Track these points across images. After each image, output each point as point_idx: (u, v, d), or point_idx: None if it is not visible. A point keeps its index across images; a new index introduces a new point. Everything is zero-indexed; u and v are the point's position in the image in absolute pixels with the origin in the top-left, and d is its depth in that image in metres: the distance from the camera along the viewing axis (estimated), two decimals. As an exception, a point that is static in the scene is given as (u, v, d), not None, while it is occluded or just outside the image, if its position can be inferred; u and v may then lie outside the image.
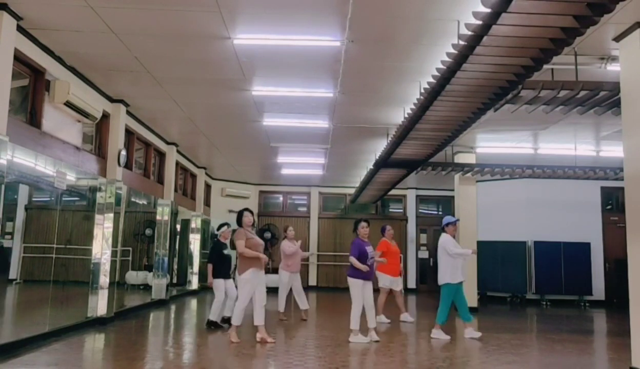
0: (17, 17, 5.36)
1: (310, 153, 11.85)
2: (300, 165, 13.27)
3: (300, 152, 11.76)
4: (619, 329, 8.47)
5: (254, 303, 6.56)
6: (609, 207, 13.51)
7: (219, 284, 7.69)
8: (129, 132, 9.08)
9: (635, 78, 5.15)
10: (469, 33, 4.22)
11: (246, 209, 6.82)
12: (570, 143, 10.00)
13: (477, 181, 11.68)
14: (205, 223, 14.71)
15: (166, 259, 10.98)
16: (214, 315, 7.66)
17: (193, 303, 11.74)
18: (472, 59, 4.58)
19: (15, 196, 6.62)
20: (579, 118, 7.25)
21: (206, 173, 14.69)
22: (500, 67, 4.77)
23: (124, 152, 8.38)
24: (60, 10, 5.26)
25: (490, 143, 10.35)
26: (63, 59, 6.57)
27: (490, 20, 3.90)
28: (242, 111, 8.54)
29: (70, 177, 7.16)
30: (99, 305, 7.77)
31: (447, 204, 16.23)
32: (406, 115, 7.11)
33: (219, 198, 15.92)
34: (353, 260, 6.77)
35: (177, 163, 11.98)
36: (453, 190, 11.86)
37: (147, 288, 11.16)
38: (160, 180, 11.17)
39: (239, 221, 6.73)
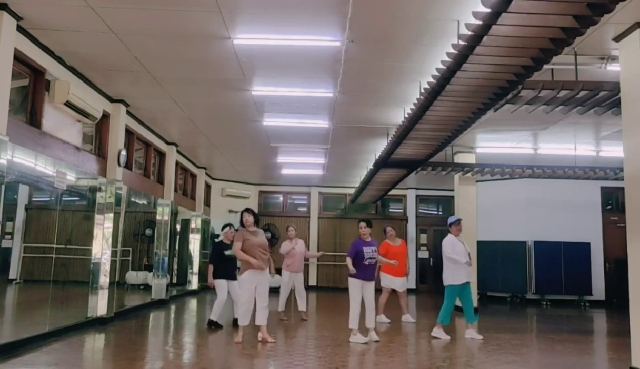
0: (17, 17, 5.36)
1: (310, 153, 11.85)
2: (300, 165, 13.27)
3: (300, 152, 11.76)
4: (619, 329, 8.47)
5: (256, 303, 6.57)
6: (609, 207, 13.51)
7: (219, 284, 7.70)
8: (129, 132, 9.08)
9: (635, 78, 5.15)
10: (469, 33, 4.22)
11: (246, 209, 6.80)
12: (570, 143, 10.00)
13: (477, 181, 11.68)
14: (205, 223, 14.71)
15: (166, 259, 10.98)
16: (214, 315, 7.67)
17: (193, 303, 11.74)
18: (472, 59, 4.58)
19: (15, 196, 6.62)
20: (579, 118, 7.25)
21: (206, 173, 14.69)
22: (500, 67, 4.77)
23: (124, 152, 8.39)
24: (60, 10, 5.26)
25: (490, 143, 10.36)
26: (63, 58, 6.57)
27: (490, 20, 3.90)
28: (242, 111, 8.54)
29: (70, 177, 7.16)
30: (99, 305, 7.77)
31: (447, 204, 16.23)
32: (406, 115, 7.11)
33: (219, 198, 15.92)
34: (347, 261, 6.82)
35: (177, 163, 11.98)
36: (453, 190, 11.87)
37: (147, 288, 11.16)
38: (160, 180, 11.17)
39: (241, 222, 6.74)
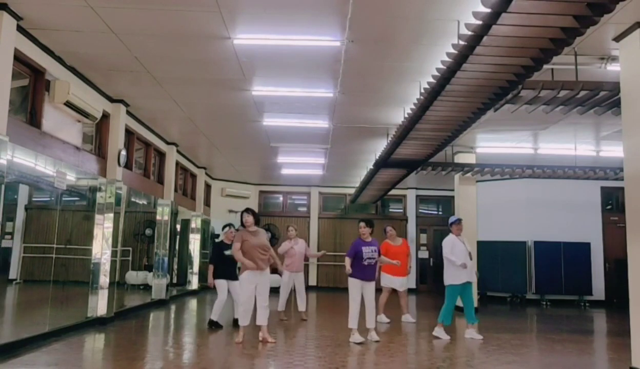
0: (17, 17, 5.36)
1: (310, 153, 11.85)
2: (300, 165, 13.27)
3: (300, 152, 11.76)
4: (619, 329, 8.47)
5: (257, 303, 6.57)
6: (609, 207, 13.51)
7: (220, 284, 7.71)
8: (129, 132, 9.08)
9: (635, 78, 5.15)
10: (469, 33, 4.22)
11: (246, 209, 6.78)
12: (570, 143, 10.00)
13: (477, 181, 11.68)
14: (205, 223, 14.71)
15: (166, 259, 10.98)
16: (215, 315, 7.67)
17: (193, 303, 11.74)
18: (472, 59, 4.58)
19: (15, 196, 6.62)
20: (579, 118, 7.25)
21: (206, 173, 14.69)
22: (500, 67, 4.77)
23: (124, 152, 8.39)
24: (60, 10, 5.26)
25: (490, 143, 10.35)
26: (63, 58, 6.57)
27: (490, 20, 3.91)
28: (242, 111, 8.54)
29: (70, 177, 7.16)
30: (99, 304, 7.77)
31: (447, 204, 16.23)
32: (406, 115, 7.11)
33: (219, 198, 15.92)
34: (346, 260, 6.85)
35: (177, 163, 11.98)
36: (453, 190, 11.87)
37: (147, 288, 11.16)
38: (160, 180, 11.17)
39: (242, 222, 6.74)
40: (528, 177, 11.56)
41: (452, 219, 7.60)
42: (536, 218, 13.24)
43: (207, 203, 15.16)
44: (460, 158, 10.93)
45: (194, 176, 13.96)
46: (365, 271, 6.76)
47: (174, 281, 12.64)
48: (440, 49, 5.56)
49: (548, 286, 12.93)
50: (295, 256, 8.74)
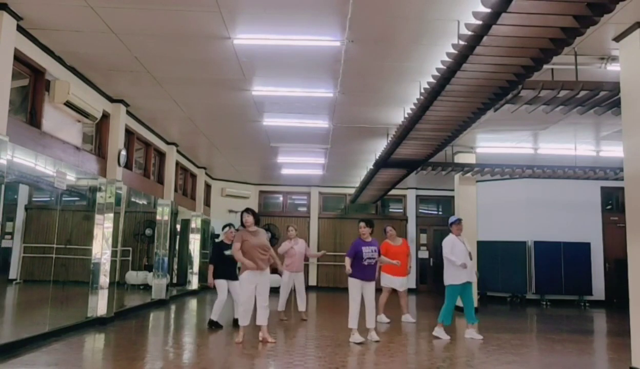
0: (17, 17, 5.36)
1: (310, 153, 11.85)
2: (300, 165, 13.27)
3: (300, 152, 11.76)
4: (619, 329, 8.47)
5: (257, 303, 6.58)
6: (609, 207, 13.51)
7: (219, 284, 7.70)
8: (129, 132, 9.08)
9: (635, 78, 5.15)
10: (469, 33, 4.22)
11: (246, 209, 6.77)
12: (570, 143, 10.00)
13: (477, 181, 11.67)
14: (205, 223, 14.71)
15: (166, 259, 10.98)
16: (215, 315, 7.67)
17: (193, 303, 11.74)
18: (472, 59, 4.58)
19: (15, 196, 6.62)
20: (579, 118, 7.25)
21: (206, 173, 14.69)
22: (500, 67, 4.77)
23: (124, 152, 8.39)
24: (60, 10, 5.26)
25: (490, 143, 10.35)
26: (63, 58, 6.57)
27: (490, 20, 3.91)
28: (242, 111, 8.54)
29: (70, 177, 7.16)
30: (99, 305, 7.77)
31: (447, 204, 16.23)
32: (406, 115, 7.11)
33: (219, 198, 15.92)
34: (346, 260, 6.87)
35: (177, 163, 11.98)
36: (453, 190, 11.87)
37: (147, 288, 11.16)
38: (160, 180, 11.17)
39: (242, 222, 6.74)
40: (528, 177, 11.55)
41: (452, 219, 7.60)
42: (536, 218, 13.24)
43: (207, 203, 15.16)
44: (460, 158, 10.93)
45: (194, 176, 13.96)
46: (365, 271, 6.76)
47: (174, 281, 12.64)
48: (440, 49, 5.56)
49: (548, 286, 12.93)
50: (295, 256, 8.74)
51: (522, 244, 13.25)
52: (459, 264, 7.12)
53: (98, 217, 7.91)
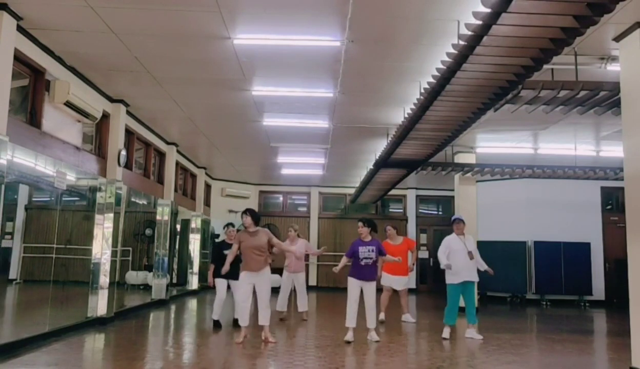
0: (17, 17, 5.36)
1: (310, 153, 11.85)
2: (300, 165, 13.27)
3: (300, 152, 11.76)
4: (619, 329, 8.46)
5: (257, 303, 6.57)
6: (609, 207, 13.51)
7: (219, 283, 7.69)
8: (129, 132, 9.08)
9: (635, 78, 5.15)
10: (469, 33, 4.22)
11: (244, 210, 6.75)
12: (570, 143, 10.00)
13: (477, 181, 11.67)
14: (205, 223, 14.71)
15: (166, 259, 10.98)
16: (216, 314, 7.67)
17: (193, 303, 11.74)
18: (472, 59, 4.58)
19: (15, 196, 6.62)
20: (579, 118, 7.25)
21: (206, 173, 14.69)
22: (500, 67, 4.77)
23: (124, 152, 8.39)
24: (60, 10, 5.26)
25: (490, 143, 10.35)
26: (63, 58, 6.57)
27: (490, 20, 3.91)
28: (242, 111, 8.54)
29: (70, 177, 7.16)
30: (99, 305, 7.77)
31: (447, 204, 16.23)
32: (406, 115, 7.11)
33: (219, 198, 15.92)
34: (342, 259, 6.98)
35: (177, 163, 11.98)
36: (453, 190, 11.86)
37: (147, 288, 11.17)
38: (160, 180, 11.17)
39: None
40: (528, 177, 11.55)
41: (452, 218, 7.63)
42: (536, 218, 13.24)
43: (207, 203, 15.16)
44: (460, 158, 10.92)
45: (194, 176, 13.96)
46: (363, 271, 6.77)
47: (174, 281, 12.64)
48: (440, 49, 5.56)
49: (548, 286, 12.93)
50: (293, 256, 8.73)
51: (522, 244, 13.25)
52: (444, 265, 7.14)
53: (98, 217, 7.91)
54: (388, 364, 5.58)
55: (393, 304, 8.99)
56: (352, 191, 15.32)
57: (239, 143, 11.18)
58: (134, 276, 11.17)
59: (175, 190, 11.87)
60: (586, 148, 10.28)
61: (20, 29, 5.56)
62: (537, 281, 13.03)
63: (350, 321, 6.71)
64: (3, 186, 5.16)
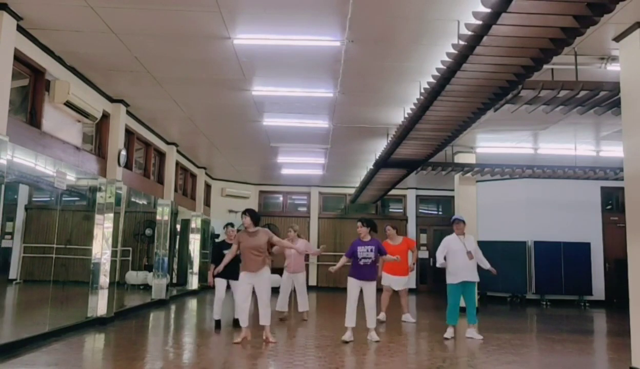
0: (17, 17, 5.36)
1: (310, 153, 11.85)
2: (300, 165, 13.27)
3: (300, 152, 11.76)
4: (619, 329, 8.46)
5: (258, 303, 6.57)
6: (609, 207, 13.50)
7: (218, 282, 7.67)
8: (129, 132, 9.08)
9: (635, 78, 5.15)
10: (469, 33, 4.22)
11: (244, 211, 6.74)
12: (570, 143, 10.00)
13: (477, 181, 11.67)
14: (205, 223, 14.71)
15: (166, 259, 10.98)
16: (217, 314, 7.66)
17: (193, 303, 11.74)
18: (472, 59, 4.58)
19: (15, 196, 6.62)
20: (579, 118, 7.25)
21: (206, 173, 14.69)
22: (500, 67, 4.77)
23: (124, 152, 8.38)
24: (60, 10, 5.26)
25: (490, 143, 10.35)
26: (63, 58, 6.57)
27: (490, 20, 3.91)
28: (242, 111, 8.54)
29: (70, 177, 7.16)
30: (99, 305, 7.77)
31: (447, 204, 16.23)
32: (406, 115, 7.11)
33: (219, 198, 15.92)
34: (341, 259, 7.01)
35: (177, 163, 11.98)
36: (453, 190, 11.86)
37: (147, 288, 11.17)
38: (160, 180, 11.16)
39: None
40: (528, 177, 11.55)
41: (452, 218, 7.65)
42: (536, 218, 13.23)
43: (207, 203, 15.16)
44: (460, 158, 10.92)
45: (194, 176, 13.96)
46: (362, 271, 6.78)
47: (174, 281, 12.64)
48: (440, 49, 5.56)
49: (548, 286, 12.92)
50: (291, 257, 8.73)
51: (522, 244, 13.24)
52: (439, 264, 7.29)
53: (98, 217, 7.91)
54: (388, 364, 5.58)
55: (393, 304, 8.99)
56: (352, 191, 15.32)
57: (239, 143, 11.18)
58: (134, 276, 11.17)
59: (175, 190, 11.87)
60: (586, 148, 10.28)
61: (20, 29, 5.56)
62: (537, 281, 13.03)
63: (349, 321, 6.71)
64: (3, 186, 5.16)
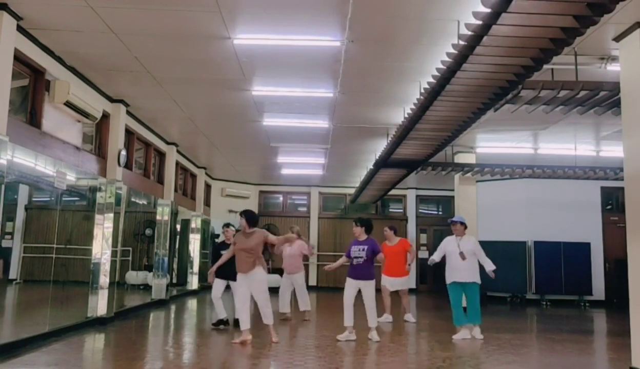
0: (17, 17, 5.36)
1: (310, 153, 11.85)
2: (300, 165, 13.27)
3: (300, 152, 11.76)
4: (619, 329, 8.46)
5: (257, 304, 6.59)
6: (609, 207, 13.50)
7: (216, 282, 7.65)
8: (129, 132, 9.08)
9: (635, 78, 5.15)
10: (469, 33, 4.22)
11: (241, 212, 6.74)
12: (570, 143, 10.00)
13: (477, 181, 11.67)
14: (205, 223, 14.71)
15: (166, 259, 10.98)
16: (221, 314, 7.61)
17: (193, 303, 11.74)
18: (472, 59, 4.58)
19: (15, 196, 6.63)
20: (579, 118, 7.25)
21: (206, 173, 14.69)
22: (500, 67, 4.77)
23: (124, 152, 8.38)
24: (60, 10, 5.26)
25: (490, 143, 10.35)
26: (63, 58, 6.57)
27: (490, 20, 3.91)
28: (242, 111, 8.54)
29: (70, 177, 7.16)
30: (99, 305, 7.76)
31: (447, 204, 16.23)
32: (406, 115, 7.11)
33: (219, 198, 15.92)
34: (340, 259, 7.16)
35: (177, 163, 11.98)
36: (453, 190, 11.86)
37: (147, 288, 11.17)
38: (160, 180, 11.16)
39: None
40: (528, 177, 11.55)
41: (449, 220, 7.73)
42: (536, 218, 13.23)
43: (207, 203, 15.16)
44: (460, 158, 10.92)
45: (194, 176, 13.96)
46: (356, 270, 6.80)
47: (174, 281, 12.64)
48: (440, 49, 5.55)
49: (548, 286, 12.92)
50: (289, 257, 8.73)
51: (522, 244, 13.23)
52: (429, 261, 7.56)
53: (98, 217, 7.91)
54: (388, 364, 5.58)
55: (393, 304, 8.98)
56: (352, 191, 15.32)
57: (239, 143, 11.18)
58: (134, 276, 11.17)
59: (175, 190, 11.87)
60: (586, 148, 10.28)
61: (20, 29, 5.56)
62: (537, 281, 13.02)
63: (347, 320, 6.72)
64: (3, 186, 5.16)
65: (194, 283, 13.59)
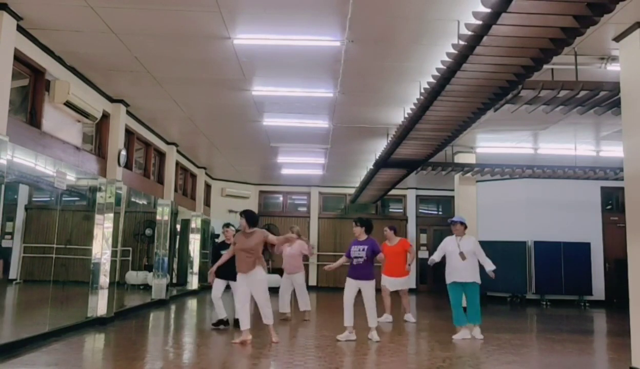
0: (17, 17, 5.36)
1: (310, 153, 11.85)
2: (300, 165, 13.27)
3: (300, 152, 11.76)
4: (619, 329, 8.46)
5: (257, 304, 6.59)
6: (609, 207, 13.50)
7: (216, 282, 7.65)
8: (129, 132, 9.08)
9: (635, 78, 5.15)
10: (469, 33, 4.22)
11: (241, 212, 6.74)
12: (570, 143, 10.00)
13: (477, 181, 11.67)
14: (205, 223, 14.71)
15: (166, 259, 10.98)
16: (222, 314, 7.62)
17: (193, 303, 11.74)
18: (472, 59, 4.58)
19: (15, 196, 6.63)
20: (579, 118, 7.25)
21: (206, 173, 14.69)
22: (500, 67, 4.77)
23: (124, 152, 8.38)
24: (60, 10, 5.26)
25: (490, 143, 10.35)
26: (63, 58, 6.57)
27: (490, 20, 3.91)
28: (242, 111, 8.54)
29: (70, 177, 7.16)
30: (99, 305, 7.76)
31: (447, 204, 16.23)
32: (406, 115, 7.11)
33: (219, 198, 15.92)
34: (340, 259, 7.18)
35: (177, 163, 11.98)
36: (453, 190, 11.86)
37: (147, 288, 11.17)
38: (160, 180, 11.16)
39: None
40: (528, 177, 11.55)
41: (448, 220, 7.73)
42: (536, 218, 13.23)
43: (207, 203, 15.16)
44: (460, 158, 10.93)
45: (194, 176, 13.96)
46: (355, 270, 6.81)
47: (174, 281, 12.64)
48: (440, 49, 5.55)
49: (548, 286, 12.92)
50: (288, 257, 8.73)
51: (522, 244, 13.23)
52: (429, 261, 7.56)
53: (98, 217, 7.91)
54: (388, 364, 5.58)
55: (393, 304, 8.99)
56: (352, 191, 15.32)
57: (239, 143, 11.18)
58: (134, 276, 11.17)
59: (175, 190, 11.87)
60: (586, 148, 10.28)
61: (20, 29, 5.56)
62: (537, 281, 13.02)
63: (347, 320, 6.72)
64: (3, 186, 5.16)
65: (194, 283, 13.59)
